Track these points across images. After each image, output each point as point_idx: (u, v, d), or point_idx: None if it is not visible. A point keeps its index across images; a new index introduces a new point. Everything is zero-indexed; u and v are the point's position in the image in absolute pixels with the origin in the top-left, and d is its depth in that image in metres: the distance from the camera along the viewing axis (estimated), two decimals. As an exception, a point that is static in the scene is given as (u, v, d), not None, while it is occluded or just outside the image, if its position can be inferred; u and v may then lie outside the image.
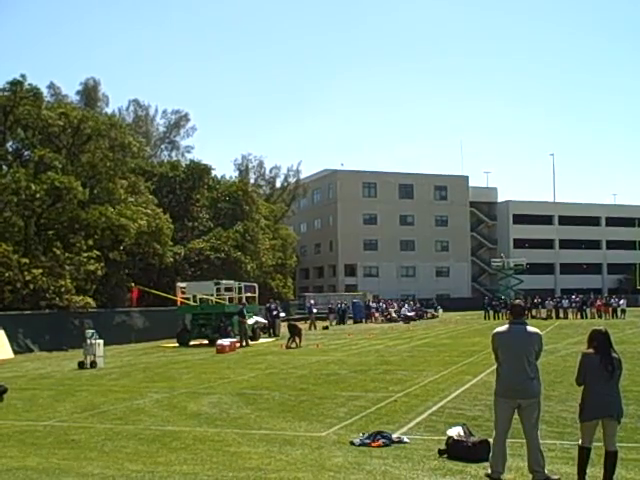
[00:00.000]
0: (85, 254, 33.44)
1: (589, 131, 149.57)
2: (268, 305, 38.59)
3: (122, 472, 8.12)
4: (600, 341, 7.27)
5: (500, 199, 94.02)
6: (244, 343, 29.22)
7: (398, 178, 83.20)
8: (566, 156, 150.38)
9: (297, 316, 55.41)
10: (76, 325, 31.02)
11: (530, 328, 7.58)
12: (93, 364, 21.32)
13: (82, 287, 33.20)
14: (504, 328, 7.67)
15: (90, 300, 32.75)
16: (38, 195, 32.17)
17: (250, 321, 31.57)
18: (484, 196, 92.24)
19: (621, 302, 52.37)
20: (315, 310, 47.38)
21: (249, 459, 8.63)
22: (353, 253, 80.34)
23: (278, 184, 79.18)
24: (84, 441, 10.05)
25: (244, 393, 14.64)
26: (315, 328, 43.84)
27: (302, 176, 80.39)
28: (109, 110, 61.38)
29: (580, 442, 7.23)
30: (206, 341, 31.25)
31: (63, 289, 31.55)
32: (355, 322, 53.04)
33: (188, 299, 34.40)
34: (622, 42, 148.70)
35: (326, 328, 44.35)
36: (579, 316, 51.92)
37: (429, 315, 58.44)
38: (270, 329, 36.75)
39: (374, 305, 58.75)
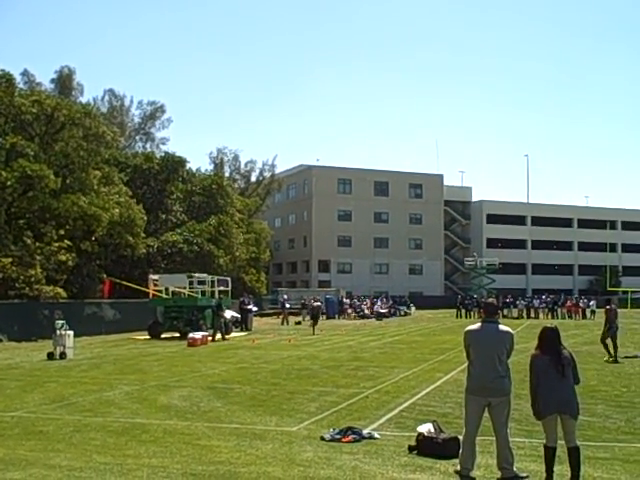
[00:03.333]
0: (56, 244, 33.04)
1: (564, 133, 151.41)
2: (241, 299, 38.55)
3: (90, 464, 8.04)
4: (549, 339, 7.30)
5: (474, 199, 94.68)
6: (220, 336, 29.11)
7: (373, 175, 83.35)
8: (540, 158, 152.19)
9: (270, 311, 55.40)
10: (46, 315, 30.55)
11: (502, 327, 7.63)
12: (62, 355, 21.08)
13: (52, 277, 32.81)
14: (476, 326, 7.72)
15: (60, 290, 32.38)
16: (9, 183, 31.70)
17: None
18: (458, 195, 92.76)
19: (591, 303, 53.13)
20: (288, 305, 47.37)
21: (219, 453, 8.60)
22: (327, 249, 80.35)
23: (253, 178, 78.78)
24: (52, 432, 9.94)
25: (215, 387, 14.59)
26: (287, 323, 43.85)
27: (277, 171, 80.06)
28: (84, 99, 60.38)
29: (545, 441, 7.31)
30: (178, 334, 31.09)
31: (33, 279, 31.16)
32: (328, 318, 53.05)
33: (160, 291, 34.18)
34: (599, 43, 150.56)
35: (298, 323, 44.36)
36: (550, 316, 52.41)
37: (402, 312, 58.62)
38: (242, 323, 36.77)
39: (347, 301, 58.83)
